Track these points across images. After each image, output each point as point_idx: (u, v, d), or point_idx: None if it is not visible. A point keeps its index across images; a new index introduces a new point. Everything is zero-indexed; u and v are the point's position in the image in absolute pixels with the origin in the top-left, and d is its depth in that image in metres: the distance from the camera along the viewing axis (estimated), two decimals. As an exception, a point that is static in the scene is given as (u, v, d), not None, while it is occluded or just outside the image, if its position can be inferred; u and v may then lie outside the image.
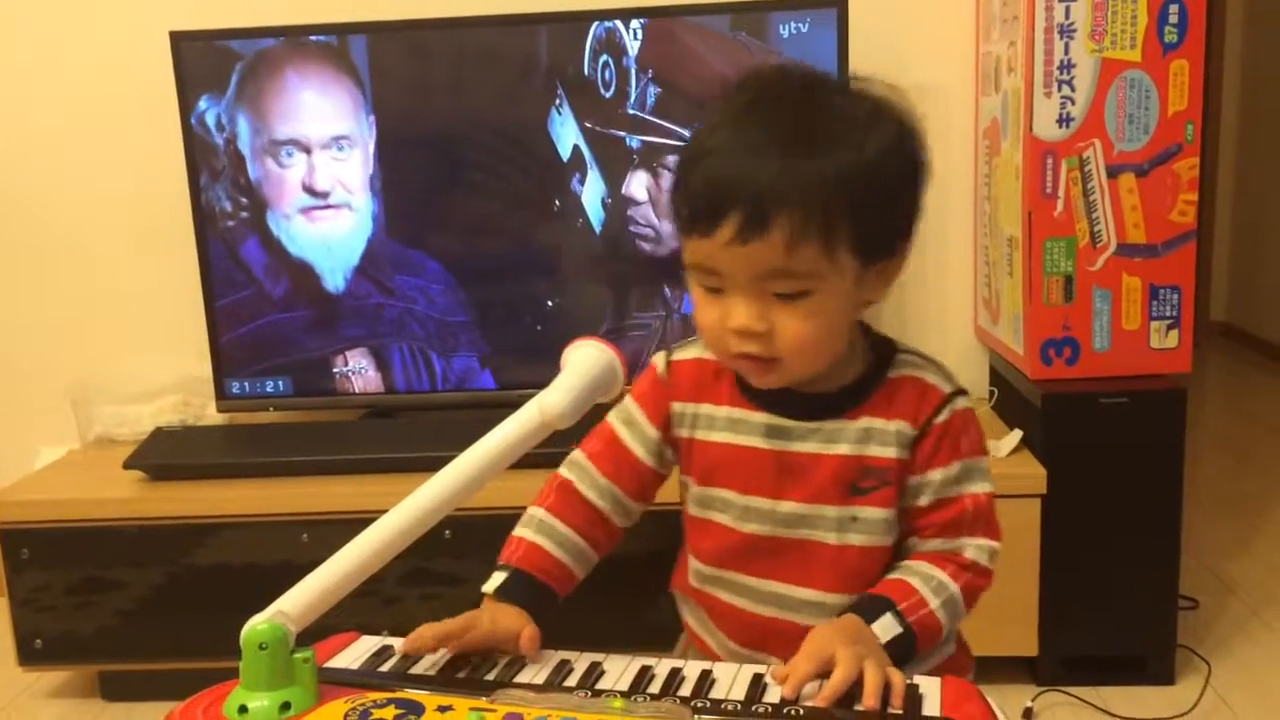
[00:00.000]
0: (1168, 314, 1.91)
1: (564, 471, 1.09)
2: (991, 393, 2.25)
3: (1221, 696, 1.95)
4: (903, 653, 0.92)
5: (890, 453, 0.98)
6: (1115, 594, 1.95)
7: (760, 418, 1.01)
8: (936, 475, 0.98)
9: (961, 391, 1.01)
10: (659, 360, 1.07)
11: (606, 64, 2.06)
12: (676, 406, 1.05)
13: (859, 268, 0.92)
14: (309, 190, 2.14)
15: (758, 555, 1.02)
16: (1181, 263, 1.90)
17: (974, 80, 2.25)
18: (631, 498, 1.08)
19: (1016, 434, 2.01)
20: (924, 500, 0.99)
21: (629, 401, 1.08)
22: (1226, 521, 2.74)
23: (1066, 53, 1.85)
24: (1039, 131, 1.88)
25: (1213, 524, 2.69)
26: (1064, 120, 1.87)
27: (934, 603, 0.95)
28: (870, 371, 1.00)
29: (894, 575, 0.98)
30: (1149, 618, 1.97)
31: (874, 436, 0.98)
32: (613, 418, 1.09)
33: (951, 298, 2.35)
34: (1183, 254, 1.90)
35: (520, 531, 1.06)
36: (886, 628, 0.92)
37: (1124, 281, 1.91)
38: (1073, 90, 1.86)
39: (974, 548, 0.99)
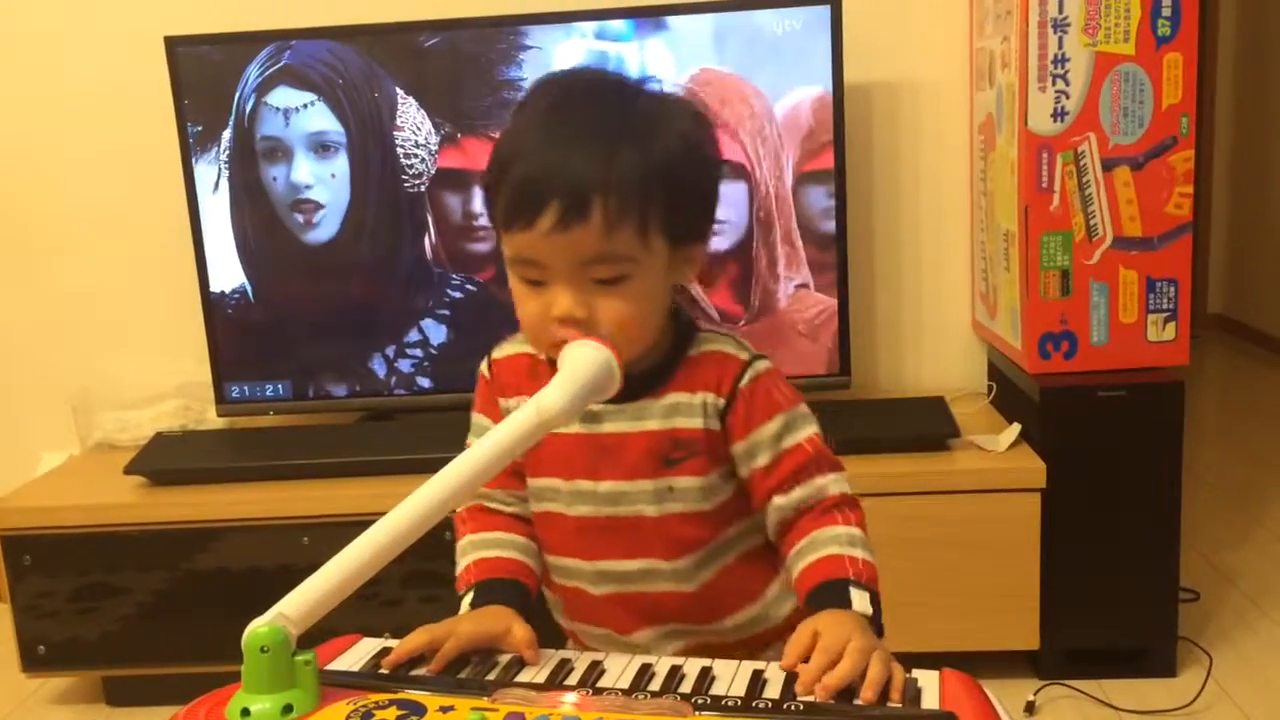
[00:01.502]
0: (1165, 307, 1.92)
1: (463, 506, 1.12)
2: (990, 387, 2.26)
3: (1223, 688, 1.95)
4: (879, 613, 0.95)
5: (697, 423, 1.02)
6: (1116, 587, 1.96)
7: None
8: (762, 433, 1.02)
9: (760, 356, 1.05)
10: (484, 364, 1.12)
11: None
12: (503, 403, 1.09)
13: (669, 251, 0.97)
14: (302, 194, 2.15)
15: (590, 536, 1.05)
16: (1178, 255, 1.90)
17: (968, 76, 2.25)
18: (525, 491, 1.12)
19: (1015, 428, 2.01)
20: (763, 460, 1.02)
21: (474, 416, 1.13)
22: (1226, 513, 2.74)
23: (1060, 47, 1.85)
24: (1034, 126, 1.88)
25: (1212, 516, 2.70)
26: (1059, 114, 1.87)
27: (859, 553, 0.99)
28: (673, 351, 1.04)
29: (811, 558, 0.99)
30: (1150, 610, 1.98)
31: (680, 410, 1.02)
32: (470, 439, 1.11)
33: (948, 293, 2.35)
34: (1179, 247, 1.90)
35: (462, 561, 1.09)
36: (861, 601, 0.94)
37: (1121, 275, 1.91)
38: (1067, 84, 1.86)
39: (833, 483, 1.02)
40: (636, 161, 0.93)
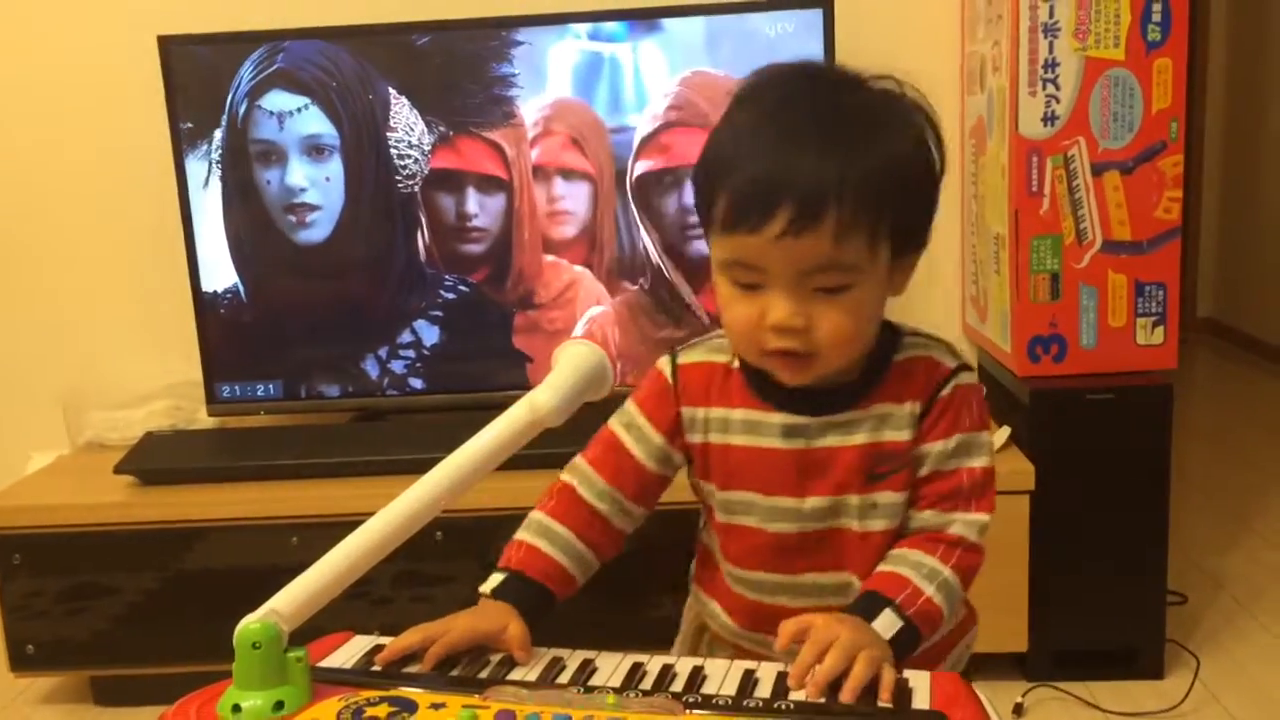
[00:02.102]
0: (1153, 310, 1.93)
1: (565, 476, 1.09)
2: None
3: (1210, 690, 1.96)
4: (907, 645, 0.93)
5: (904, 435, 0.99)
6: (1104, 589, 1.96)
7: (777, 418, 1.01)
8: (935, 447, 1.00)
9: (966, 367, 1.02)
10: (664, 364, 1.07)
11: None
12: (686, 411, 1.05)
13: (891, 260, 0.94)
14: (297, 197, 2.15)
15: (787, 552, 1.03)
16: (1167, 260, 1.91)
17: (959, 79, 2.26)
18: (633, 502, 1.08)
19: (1005, 431, 2.02)
20: (923, 471, 1.00)
21: (632, 407, 1.08)
22: (1214, 517, 2.76)
23: (1051, 51, 1.86)
24: (1024, 130, 1.89)
25: (1201, 519, 2.71)
26: (1049, 119, 1.88)
27: (929, 589, 0.96)
28: (879, 358, 1.01)
29: (885, 568, 0.98)
30: (1138, 613, 1.99)
31: (888, 421, 1.00)
32: (614, 423, 1.08)
33: (939, 296, 2.36)
34: (1168, 251, 1.91)
35: (520, 535, 1.06)
36: (887, 625, 0.93)
37: (1110, 279, 1.92)
38: (1057, 89, 1.87)
39: (962, 523, 1.00)
40: (874, 166, 0.89)
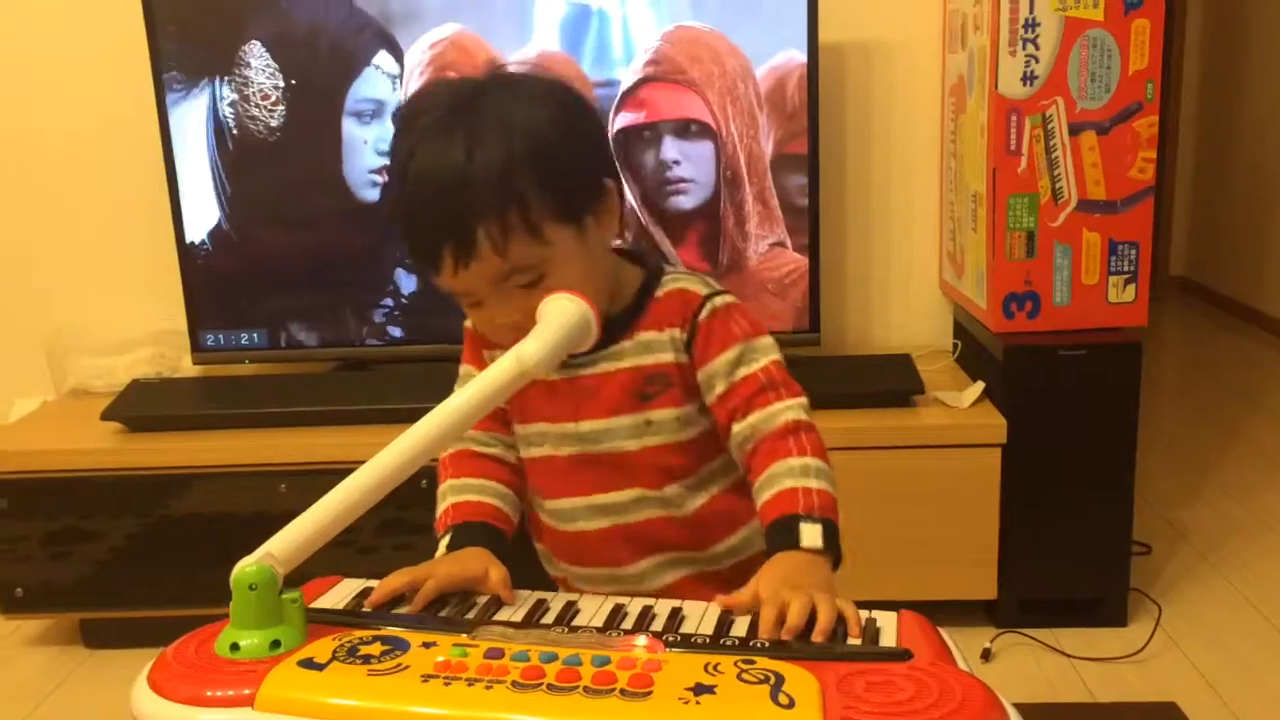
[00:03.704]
0: (1125, 269, 1.97)
1: (444, 452, 1.15)
2: (955, 345, 2.31)
3: (1171, 637, 2.03)
4: (834, 541, 0.98)
5: (667, 357, 1.06)
6: (1071, 540, 2.02)
7: None
8: (717, 364, 1.06)
9: (720, 292, 1.09)
10: (468, 319, 1.14)
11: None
12: (486, 354, 1.12)
13: (575, 228, 0.99)
14: (280, 139, 2.15)
15: (581, 474, 1.10)
16: (1140, 219, 1.95)
17: (940, 38, 2.27)
18: (510, 436, 1.15)
19: (979, 385, 2.06)
20: (720, 388, 1.07)
21: (462, 368, 1.16)
22: (1179, 470, 2.82)
23: (1031, 11, 1.88)
24: (1004, 89, 1.91)
25: (1166, 473, 2.78)
26: (1028, 78, 1.90)
27: (814, 484, 1.01)
28: (640, 293, 1.08)
29: (768, 494, 1.02)
30: (1103, 563, 2.05)
31: (651, 347, 1.07)
32: (457, 386, 1.14)
33: (917, 253, 2.40)
34: (1141, 210, 1.95)
35: (441, 504, 1.13)
36: (811, 535, 0.97)
37: (1084, 237, 1.95)
38: (1037, 49, 1.89)
39: (785, 409, 1.05)
40: (493, 176, 0.94)
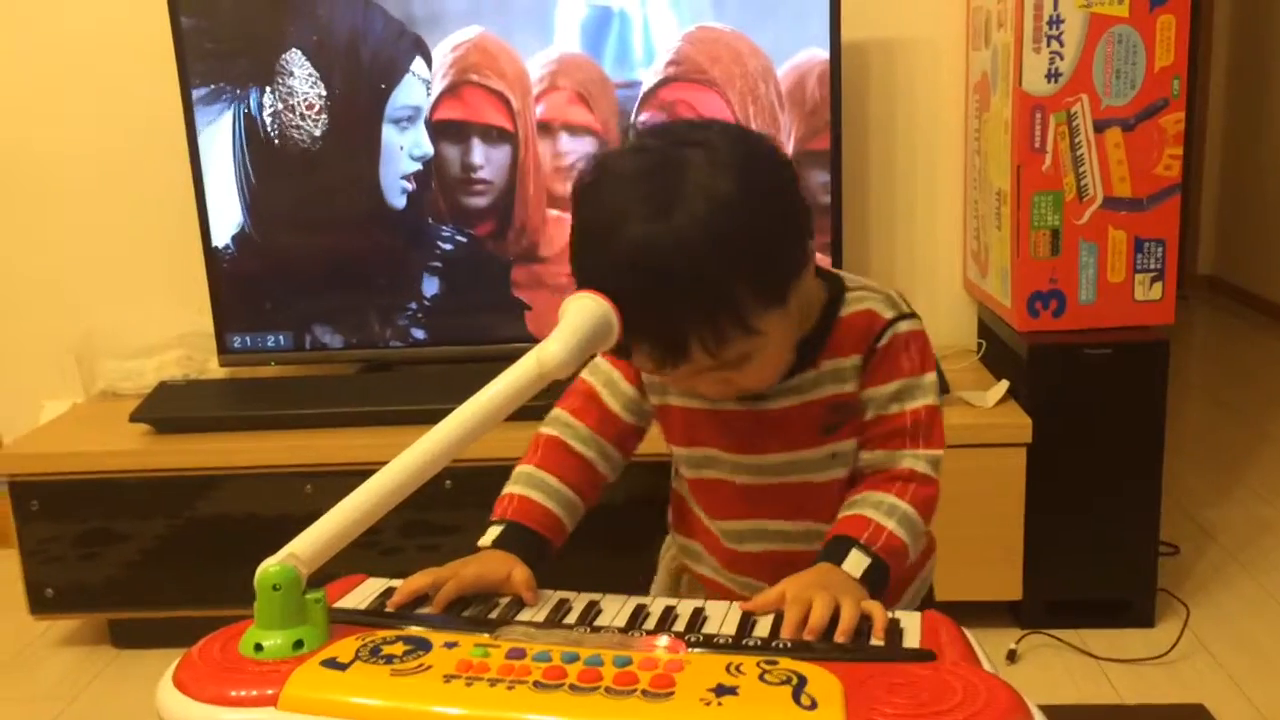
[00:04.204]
0: (1152, 267, 1.95)
1: (547, 429, 1.14)
2: (979, 344, 2.29)
3: (1199, 639, 2.01)
4: (878, 580, 0.98)
5: (851, 386, 1.05)
6: (1098, 540, 2.00)
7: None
8: (877, 392, 1.05)
9: (904, 316, 1.06)
10: None
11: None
12: (646, 375, 1.10)
13: (782, 308, 0.95)
14: (306, 145, 2.16)
15: (754, 502, 1.08)
16: (1166, 216, 1.93)
17: (964, 35, 2.26)
18: (615, 448, 1.14)
19: (1003, 384, 2.05)
20: (868, 416, 1.06)
21: (603, 362, 1.13)
22: (1207, 470, 2.80)
23: (1055, 8, 1.86)
24: (1028, 86, 1.90)
25: (1194, 472, 2.75)
26: (1053, 75, 1.89)
27: (889, 524, 1.01)
28: (824, 317, 1.05)
29: (847, 513, 1.03)
30: (1130, 563, 2.03)
31: (836, 376, 1.05)
32: (589, 376, 1.13)
33: (941, 251, 2.38)
34: (1168, 208, 1.93)
35: (511, 488, 1.11)
36: (856, 564, 0.98)
37: (1110, 235, 1.94)
38: (1061, 45, 1.88)
39: (911, 458, 1.05)
40: (705, 275, 0.87)
